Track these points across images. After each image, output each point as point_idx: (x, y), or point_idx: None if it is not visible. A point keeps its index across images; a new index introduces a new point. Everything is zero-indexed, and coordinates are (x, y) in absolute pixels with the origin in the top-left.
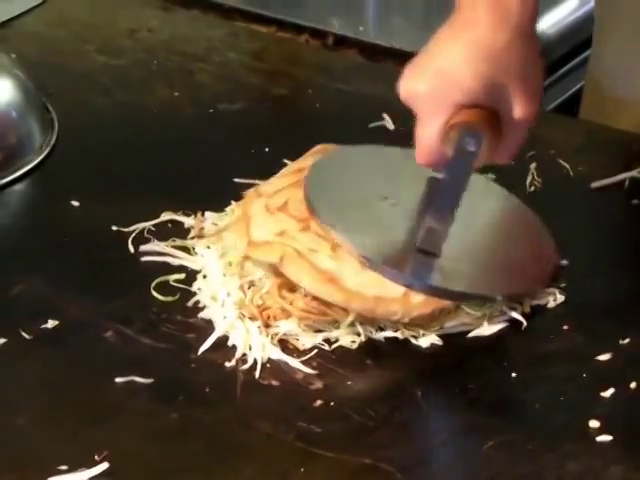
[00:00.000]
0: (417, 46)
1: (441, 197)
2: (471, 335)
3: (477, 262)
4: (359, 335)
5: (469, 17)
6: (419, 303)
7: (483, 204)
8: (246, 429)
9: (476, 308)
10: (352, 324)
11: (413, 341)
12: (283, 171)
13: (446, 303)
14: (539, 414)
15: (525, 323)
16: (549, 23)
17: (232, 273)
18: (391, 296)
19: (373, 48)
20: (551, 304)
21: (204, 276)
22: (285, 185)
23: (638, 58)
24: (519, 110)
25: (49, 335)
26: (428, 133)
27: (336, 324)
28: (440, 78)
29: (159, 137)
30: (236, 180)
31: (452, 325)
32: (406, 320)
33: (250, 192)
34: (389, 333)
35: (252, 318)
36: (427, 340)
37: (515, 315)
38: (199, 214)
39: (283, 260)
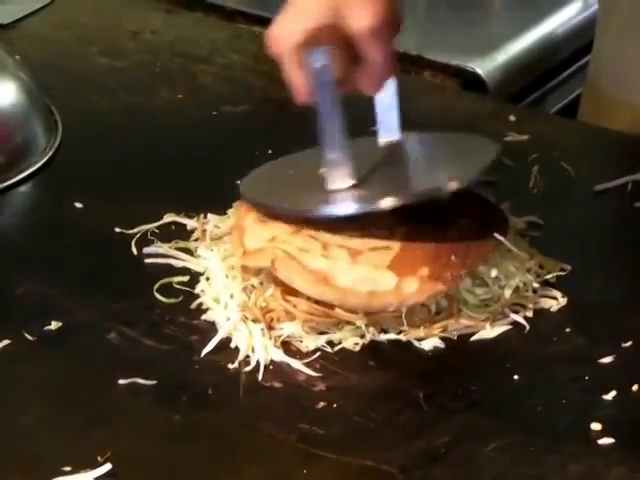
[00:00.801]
0: (420, 48)
1: (323, 127)
2: (474, 338)
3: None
4: (362, 337)
5: None
6: (413, 292)
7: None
8: (249, 430)
9: (478, 311)
10: (357, 326)
11: (416, 344)
12: None
13: (440, 289)
14: (541, 416)
15: (528, 327)
16: (553, 25)
17: (234, 275)
18: (384, 289)
19: None
20: (554, 308)
21: (207, 278)
22: None
23: (637, 61)
24: (355, 21)
25: (52, 336)
26: (290, 68)
27: (340, 325)
28: (288, 15)
29: (162, 139)
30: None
31: (454, 328)
32: (404, 310)
33: (242, 203)
34: (392, 336)
35: (255, 320)
36: (430, 343)
37: (517, 318)
38: (202, 216)
39: (274, 263)
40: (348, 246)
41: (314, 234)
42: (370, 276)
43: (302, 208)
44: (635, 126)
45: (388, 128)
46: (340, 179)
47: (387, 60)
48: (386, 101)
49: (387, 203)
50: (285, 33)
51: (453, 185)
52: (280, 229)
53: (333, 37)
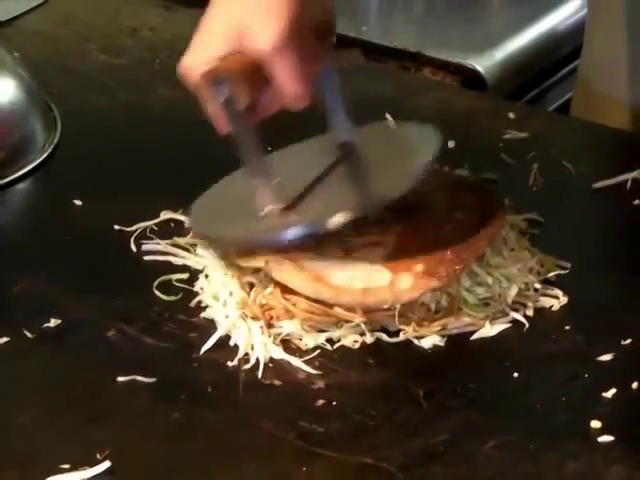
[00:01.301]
0: (419, 46)
1: (243, 153)
2: (474, 337)
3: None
4: (362, 335)
5: None
6: (407, 289)
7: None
8: (248, 428)
9: (479, 309)
10: (356, 324)
11: (415, 342)
12: None
13: (434, 285)
14: (540, 414)
15: (527, 324)
16: (552, 23)
17: (233, 273)
18: (378, 285)
19: (376, 48)
20: (556, 307)
21: (206, 275)
22: None
23: (627, 57)
24: (255, 41)
25: (51, 334)
26: (203, 101)
27: (339, 324)
28: (194, 46)
29: (161, 136)
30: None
31: (454, 326)
32: (398, 306)
33: None
34: (391, 334)
35: (254, 318)
36: (429, 341)
37: (518, 317)
38: None
39: (268, 264)
40: (343, 244)
41: None
42: (364, 273)
43: (244, 237)
44: (627, 123)
45: (340, 128)
46: (269, 202)
47: (296, 76)
48: (332, 102)
49: (325, 225)
50: (192, 65)
51: (382, 201)
52: None
53: (240, 63)
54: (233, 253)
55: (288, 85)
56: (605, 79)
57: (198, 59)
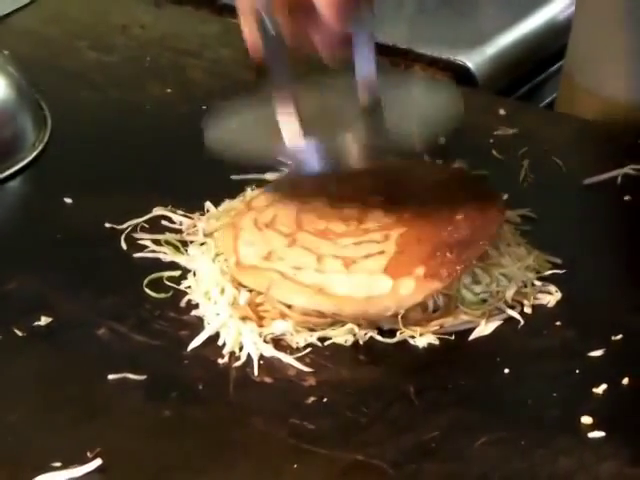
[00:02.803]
0: (410, 42)
1: (274, 85)
2: (470, 338)
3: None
4: (355, 335)
5: None
6: (410, 293)
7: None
8: (239, 426)
9: (476, 307)
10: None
11: (408, 339)
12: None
13: (437, 287)
14: (531, 410)
15: (522, 321)
16: (544, 19)
17: (225, 271)
18: (380, 293)
19: None
20: (552, 303)
21: (194, 273)
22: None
23: (611, 53)
24: None
25: (42, 332)
26: (245, 25)
27: (334, 325)
28: None
29: (152, 134)
30: (232, 177)
31: (451, 325)
32: (402, 312)
33: (242, 203)
34: (387, 335)
35: (244, 318)
36: (424, 339)
37: (513, 314)
38: (197, 214)
39: (270, 288)
40: (343, 256)
41: (309, 246)
42: (366, 282)
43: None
44: (611, 119)
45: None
46: (293, 139)
47: (340, 20)
48: (364, 70)
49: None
50: None
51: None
52: (275, 241)
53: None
54: (234, 263)
55: (327, 13)
56: (590, 75)
57: None
